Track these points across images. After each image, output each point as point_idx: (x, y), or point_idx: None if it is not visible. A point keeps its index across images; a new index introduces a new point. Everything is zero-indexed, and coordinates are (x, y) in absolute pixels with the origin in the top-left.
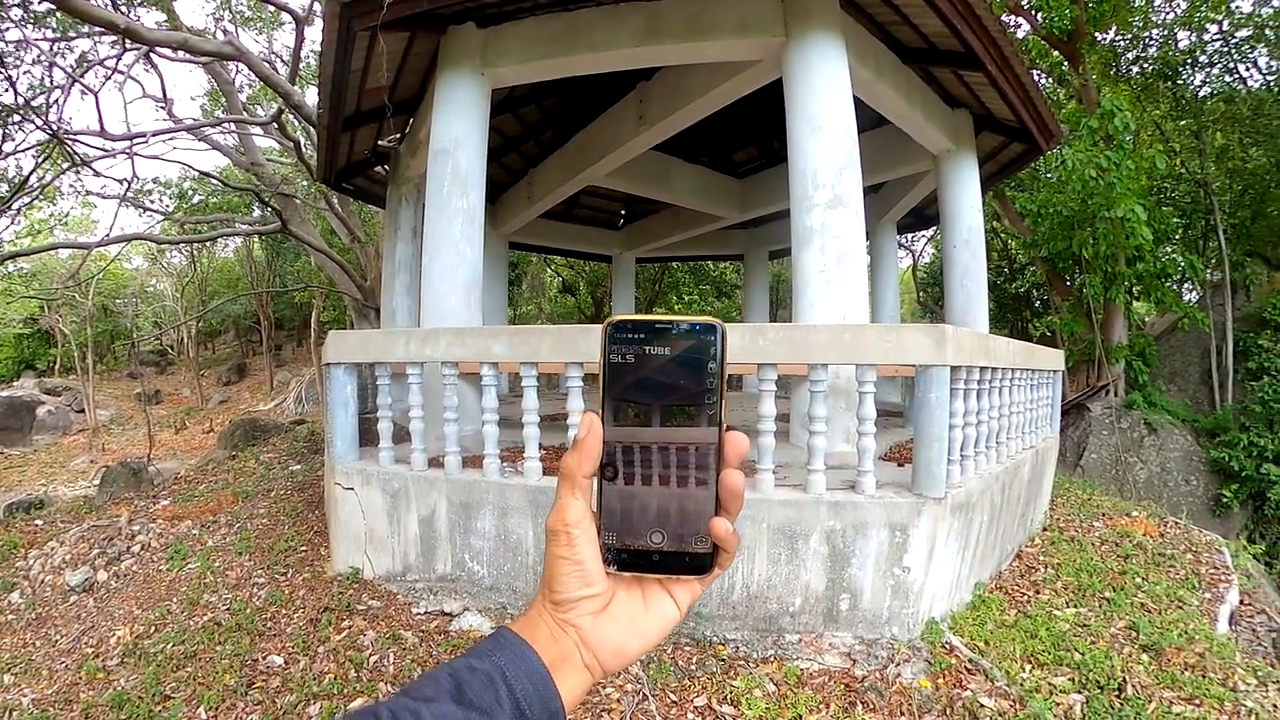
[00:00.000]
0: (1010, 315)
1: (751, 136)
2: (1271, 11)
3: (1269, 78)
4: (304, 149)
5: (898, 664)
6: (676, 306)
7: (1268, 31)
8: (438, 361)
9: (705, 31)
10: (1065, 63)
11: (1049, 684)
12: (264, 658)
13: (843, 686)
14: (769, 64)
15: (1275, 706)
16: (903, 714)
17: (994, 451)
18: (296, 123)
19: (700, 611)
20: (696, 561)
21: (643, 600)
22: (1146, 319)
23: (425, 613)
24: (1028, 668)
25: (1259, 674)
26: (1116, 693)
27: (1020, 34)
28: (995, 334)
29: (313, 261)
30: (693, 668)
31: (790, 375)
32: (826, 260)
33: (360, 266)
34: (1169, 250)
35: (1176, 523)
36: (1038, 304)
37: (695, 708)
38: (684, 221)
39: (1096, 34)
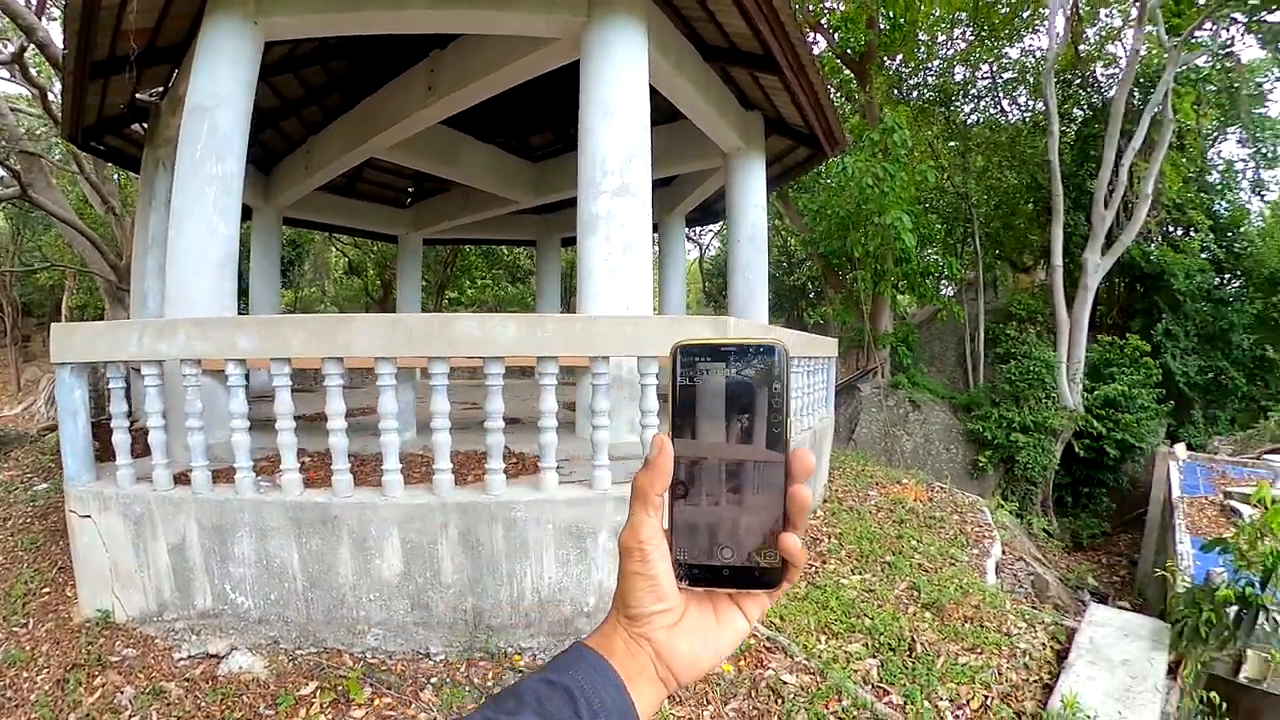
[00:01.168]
0: (788, 305)
1: (549, 120)
2: (1033, 61)
3: (1025, 114)
4: (50, 98)
5: None
6: (469, 291)
7: (1028, 76)
8: (176, 359)
9: (505, 1)
10: (855, 81)
11: (845, 652)
12: None
13: None
14: (568, 43)
15: (1043, 644)
16: (709, 702)
17: None
18: (46, 67)
19: (490, 624)
20: (765, 576)
21: (714, 614)
22: (911, 310)
23: (189, 657)
24: (823, 639)
25: (1026, 618)
26: (908, 652)
27: (817, 50)
28: (774, 323)
29: (63, 236)
30: (489, 683)
31: (574, 367)
32: (612, 249)
33: (116, 243)
34: (931, 251)
35: (942, 487)
36: (813, 295)
37: None
38: (475, 203)
39: (885, 58)
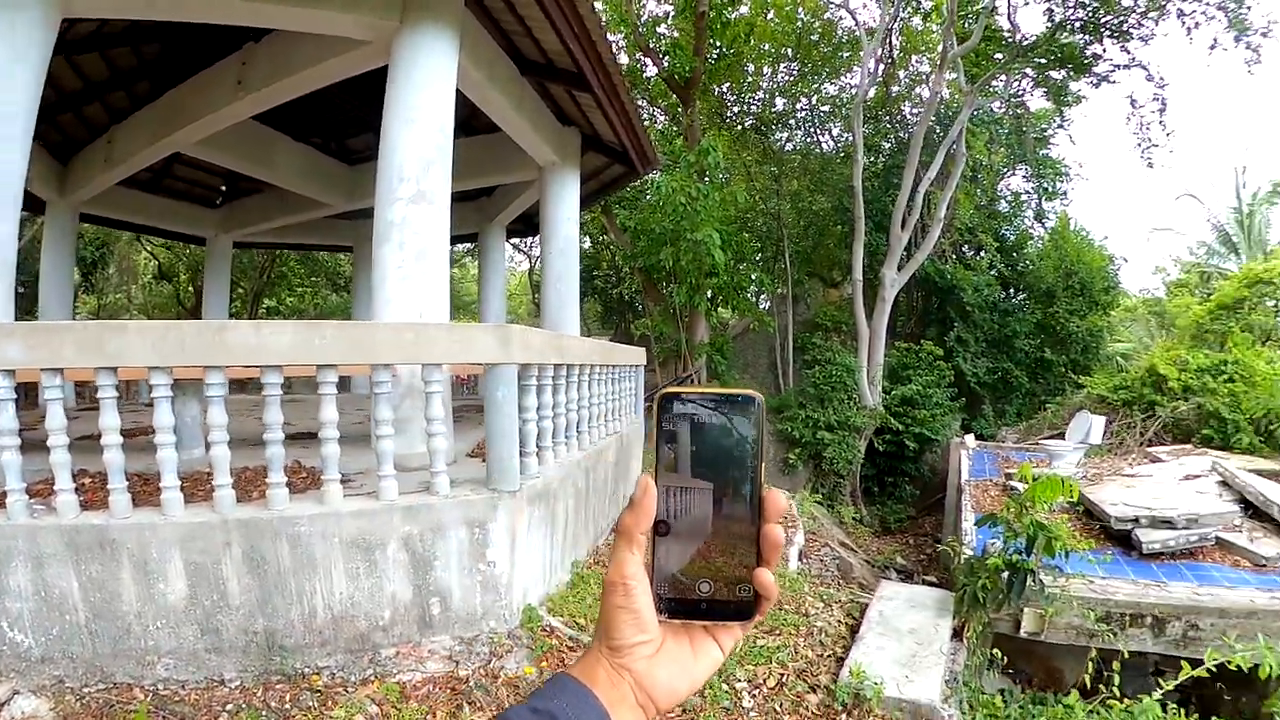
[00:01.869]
0: (615, 317)
1: (369, 122)
2: (847, 97)
3: (838, 144)
4: None
5: (500, 657)
6: (289, 300)
7: (843, 110)
8: None
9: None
10: (680, 104)
11: None
12: None
13: (449, 690)
14: (380, 47)
15: (839, 622)
16: (510, 705)
17: (574, 441)
18: None
19: (284, 644)
20: (740, 608)
21: (690, 645)
22: (731, 322)
23: None
24: None
25: (824, 598)
26: None
27: (648, 73)
28: (602, 335)
29: None
30: (287, 706)
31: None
32: (405, 256)
33: None
34: (743, 267)
35: None
36: (640, 308)
37: None
38: (290, 205)
39: (713, 86)
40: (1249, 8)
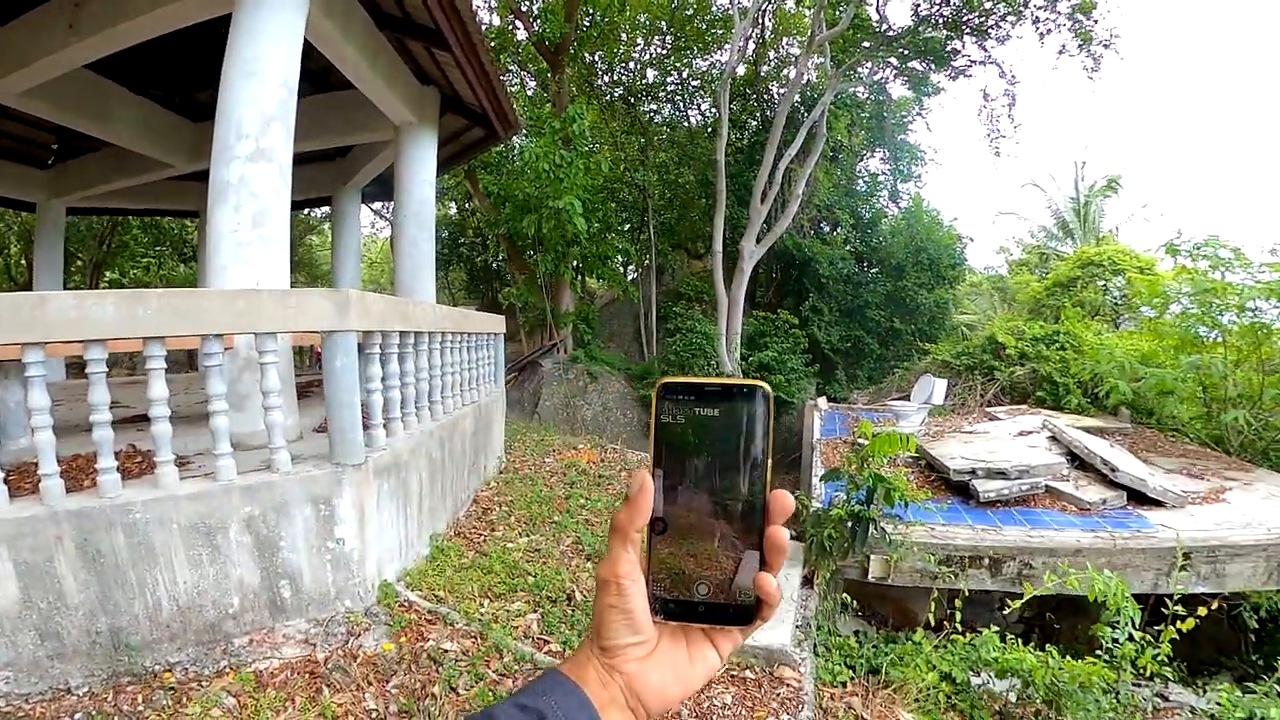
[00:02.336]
0: (483, 286)
1: (217, 74)
2: (717, 73)
3: (705, 118)
4: None
5: (358, 636)
6: (132, 271)
7: (712, 85)
8: None
9: None
10: (551, 70)
11: (507, 611)
12: None
13: (307, 675)
14: None
15: None
16: (370, 683)
17: (427, 411)
18: None
19: (131, 643)
20: (740, 613)
21: (686, 648)
22: (597, 292)
23: None
24: (485, 602)
25: None
26: (568, 602)
27: (520, 37)
28: (468, 303)
29: None
30: (140, 708)
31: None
32: (241, 219)
33: None
34: (609, 237)
35: (615, 448)
36: (506, 276)
37: None
38: (130, 166)
39: (585, 53)
40: (1095, 21)
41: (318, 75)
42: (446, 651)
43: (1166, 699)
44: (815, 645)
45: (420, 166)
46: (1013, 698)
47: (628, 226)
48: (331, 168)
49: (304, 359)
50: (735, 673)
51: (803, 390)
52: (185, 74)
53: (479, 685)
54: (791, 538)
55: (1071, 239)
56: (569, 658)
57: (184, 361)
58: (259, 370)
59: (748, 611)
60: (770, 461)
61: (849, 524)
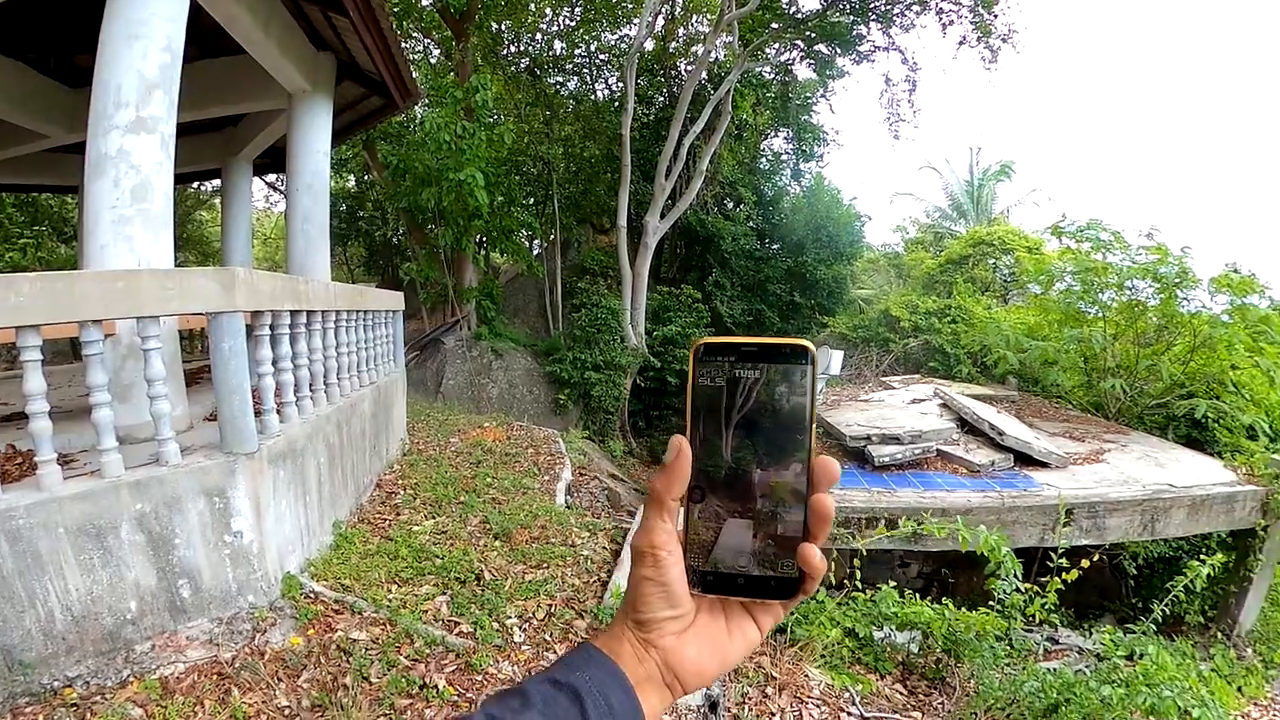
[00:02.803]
0: (382, 261)
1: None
2: (625, 47)
3: (612, 93)
4: None
5: (264, 632)
6: (8, 254)
7: (620, 60)
8: None
9: None
10: (455, 38)
11: (415, 595)
12: None
13: (214, 677)
14: None
15: (604, 548)
16: (280, 680)
17: (323, 394)
18: None
19: (25, 659)
20: (782, 586)
21: (725, 622)
22: (502, 267)
23: None
24: (393, 588)
25: (590, 528)
26: (476, 583)
27: (424, 2)
28: (368, 280)
29: None
30: None
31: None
32: (121, 194)
33: None
34: (514, 210)
35: (521, 425)
36: (408, 251)
37: None
38: (2, 136)
39: (489, 21)
40: (995, 15)
41: (206, 39)
42: (356, 641)
43: (1057, 642)
44: None
45: (315, 136)
46: (914, 649)
47: (532, 200)
48: (220, 138)
49: (195, 344)
50: None
51: None
52: (63, 35)
53: (391, 673)
54: None
55: (965, 219)
56: (603, 631)
57: (67, 351)
58: (143, 358)
59: (790, 584)
60: (814, 427)
61: None
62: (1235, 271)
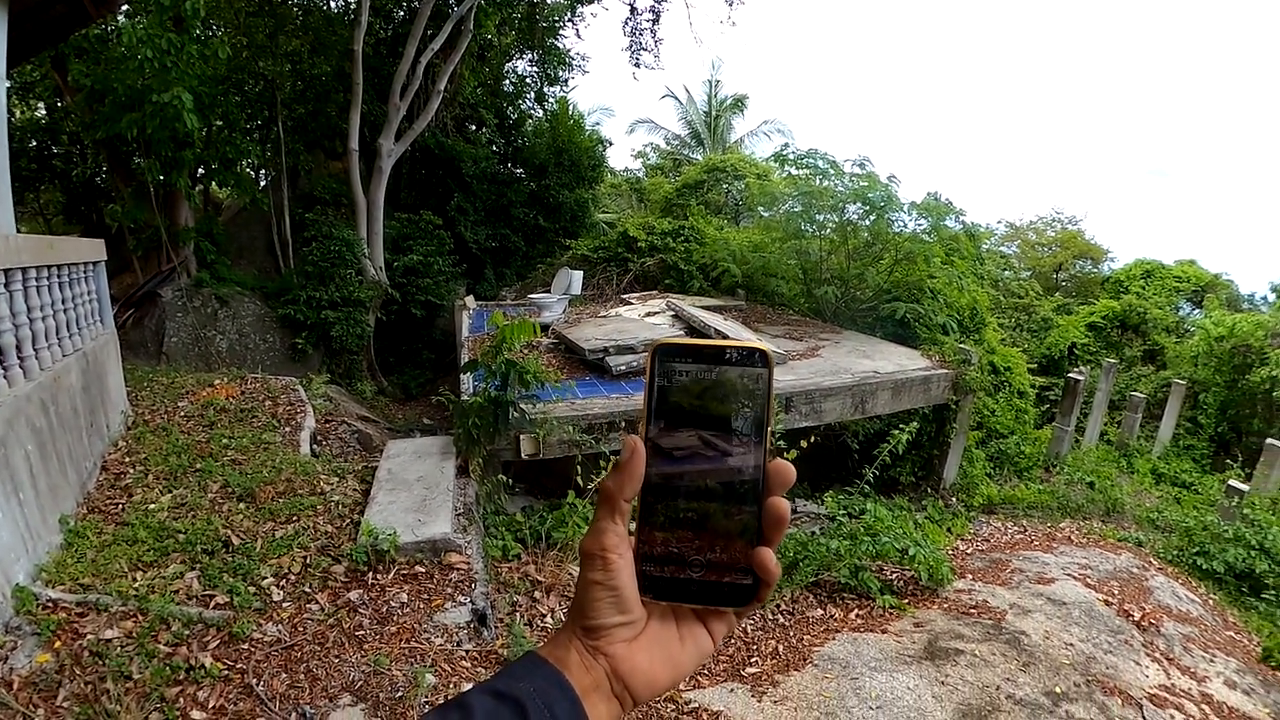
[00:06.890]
0: (84, 207)
1: None
2: None
3: (344, 3)
4: None
5: (6, 659)
6: None
7: None
8: None
9: None
10: None
11: (162, 577)
12: None
13: None
14: None
15: (353, 490)
16: (37, 705)
17: (18, 369)
18: None
19: None
20: (736, 593)
21: (677, 630)
22: (224, 202)
23: None
24: (138, 575)
25: (338, 472)
26: (225, 550)
27: None
28: (69, 230)
29: None
30: None
31: None
32: None
33: None
34: (234, 136)
35: (255, 378)
36: (113, 193)
37: None
38: None
39: None
40: None
41: None
42: (109, 641)
43: (796, 510)
44: (486, 528)
45: None
46: None
47: (257, 124)
48: None
49: None
50: (406, 571)
51: (452, 292)
52: None
53: (153, 664)
54: (445, 431)
55: (702, 147)
56: (550, 639)
57: None
58: None
59: (744, 591)
60: (770, 429)
61: (491, 409)
62: (934, 198)
